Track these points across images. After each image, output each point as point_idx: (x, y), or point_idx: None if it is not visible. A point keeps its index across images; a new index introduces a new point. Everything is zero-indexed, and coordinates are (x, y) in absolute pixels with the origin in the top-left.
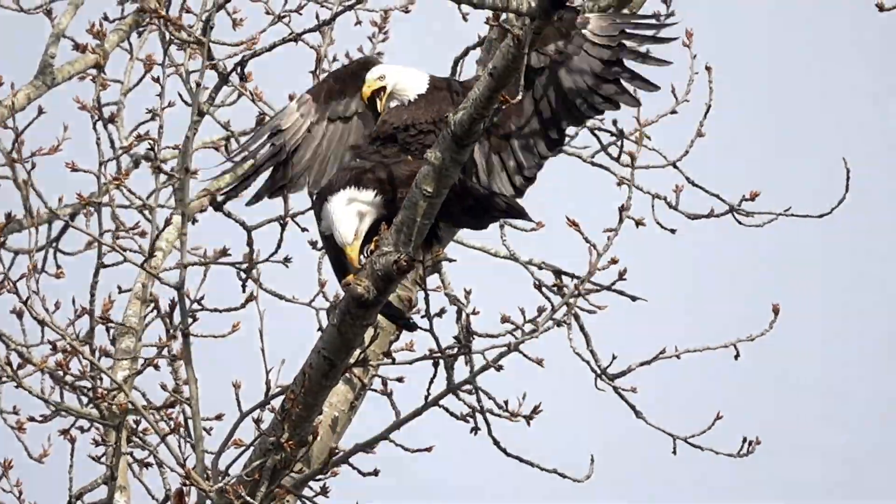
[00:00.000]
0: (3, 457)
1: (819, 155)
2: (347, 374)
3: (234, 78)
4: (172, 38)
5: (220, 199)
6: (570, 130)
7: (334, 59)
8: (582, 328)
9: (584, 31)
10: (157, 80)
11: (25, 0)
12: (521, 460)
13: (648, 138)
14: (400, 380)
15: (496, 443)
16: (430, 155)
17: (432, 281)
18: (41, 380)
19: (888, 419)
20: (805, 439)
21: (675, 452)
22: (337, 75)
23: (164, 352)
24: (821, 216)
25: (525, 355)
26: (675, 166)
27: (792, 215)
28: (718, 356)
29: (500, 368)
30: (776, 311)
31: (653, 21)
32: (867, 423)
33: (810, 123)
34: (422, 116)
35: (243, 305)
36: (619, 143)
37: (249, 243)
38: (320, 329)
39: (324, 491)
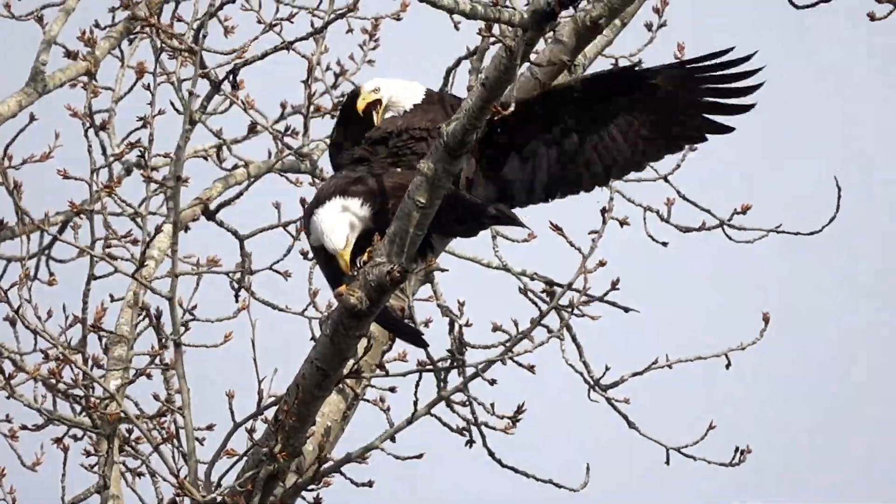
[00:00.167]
0: None
1: (811, 171)
2: (340, 385)
3: (226, 86)
4: (163, 46)
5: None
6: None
7: (327, 68)
8: (574, 339)
9: (653, 80)
10: (147, 87)
11: (17, 6)
12: (516, 471)
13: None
14: (392, 390)
15: (491, 454)
16: (423, 166)
17: (424, 291)
18: (34, 388)
19: (879, 427)
20: (797, 447)
21: (668, 462)
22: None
23: (157, 361)
24: (811, 234)
25: (516, 361)
26: (667, 180)
27: (782, 232)
28: (710, 366)
29: (493, 383)
30: (766, 319)
31: (727, 62)
32: (858, 430)
33: (803, 139)
34: (416, 123)
35: (235, 314)
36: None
37: (242, 253)
38: (313, 339)
39: (317, 501)
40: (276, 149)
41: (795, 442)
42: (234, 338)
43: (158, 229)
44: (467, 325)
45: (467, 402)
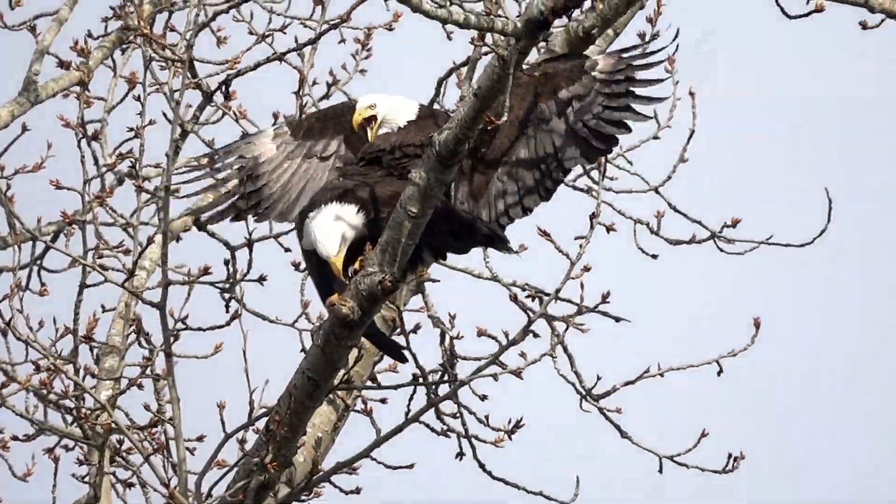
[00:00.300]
0: None
1: (802, 183)
2: (331, 396)
3: (218, 97)
4: (154, 56)
5: (203, 219)
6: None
7: (314, 83)
8: (566, 350)
9: (593, 73)
10: (137, 98)
11: (10, 16)
12: (506, 483)
13: (630, 163)
14: (383, 401)
15: (482, 466)
16: (415, 175)
17: (415, 302)
18: (25, 398)
19: (870, 433)
20: (789, 454)
21: (661, 471)
22: (320, 115)
23: (148, 371)
24: (802, 245)
25: (503, 365)
26: (658, 192)
27: (773, 244)
28: (702, 374)
29: (483, 398)
30: (757, 325)
31: (654, 52)
32: (850, 437)
33: (794, 151)
34: (409, 140)
35: (227, 324)
36: (601, 168)
37: (232, 263)
38: (303, 350)
39: None
40: None
41: (788, 449)
42: (225, 349)
43: (150, 240)
44: (458, 337)
45: (458, 414)
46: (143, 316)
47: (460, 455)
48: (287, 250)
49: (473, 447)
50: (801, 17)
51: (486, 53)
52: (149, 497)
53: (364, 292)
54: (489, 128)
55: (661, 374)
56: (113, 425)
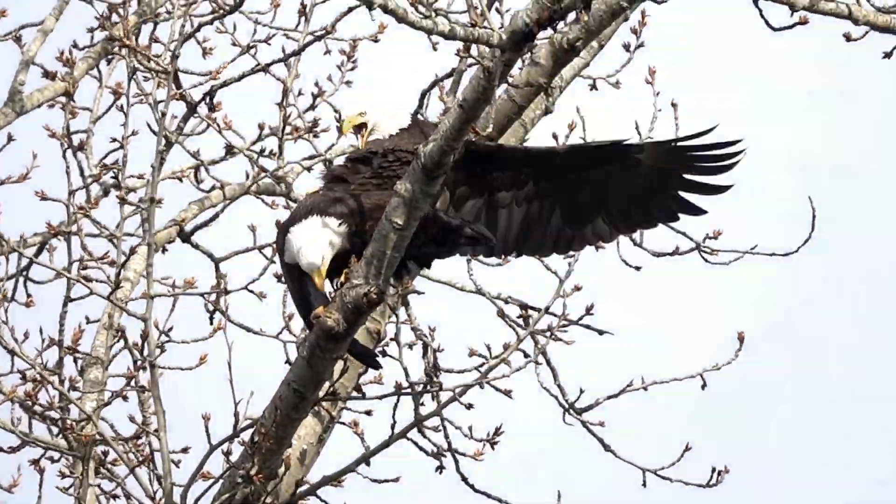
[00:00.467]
0: None
1: (786, 192)
2: (316, 408)
3: (203, 108)
4: (138, 67)
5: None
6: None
7: (299, 93)
8: (549, 363)
9: (637, 155)
10: (121, 109)
11: None
12: (489, 496)
13: None
14: (368, 413)
15: (464, 479)
16: (400, 187)
17: (399, 314)
18: (11, 409)
19: (857, 446)
20: (774, 467)
21: (644, 485)
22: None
23: (132, 383)
24: (786, 255)
25: (493, 387)
26: None
27: (757, 253)
28: (686, 387)
29: (469, 407)
30: (741, 339)
31: (713, 147)
32: (836, 450)
33: (777, 159)
34: (402, 147)
35: (211, 335)
36: None
37: (217, 275)
38: (288, 362)
39: None
40: (252, 171)
41: (772, 462)
42: (210, 360)
43: (133, 251)
44: (440, 350)
45: (440, 428)
46: (128, 327)
47: (440, 469)
48: (271, 262)
49: (456, 460)
50: (784, 29)
51: (471, 65)
52: None
53: (349, 305)
54: (476, 139)
55: (645, 388)
56: (98, 437)
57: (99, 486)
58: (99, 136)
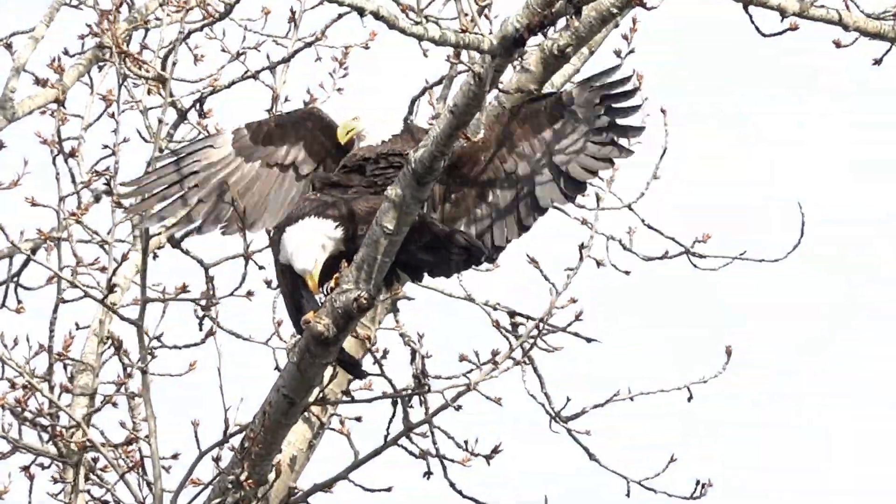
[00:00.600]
0: None
1: (776, 197)
2: (306, 413)
3: (193, 115)
4: (129, 74)
5: (177, 236)
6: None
7: (286, 100)
8: (535, 370)
9: (572, 107)
10: (112, 115)
11: None
12: (476, 502)
13: (602, 180)
14: (358, 419)
15: (452, 485)
16: (391, 192)
17: (388, 321)
18: (1, 416)
19: (843, 458)
20: (758, 481)
21: (628, 495)
22: (280, 121)
23: (122, 389)
24: (776, 261)
25: (484, 395)
26: (631, 208)
27: (747, 259)
28: (672, 398)
29: (459, 408)
30: (729, 353)
31: (624, 82)
32: (820, 463)
33: (767, 166)
34: (395, 151)
35: (202, 341)
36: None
37: (207, 280)
38: (277, 368)
39: None
40: None
41: (756, 476)
42: (200, 366)
43: (125, 257)
44: (427, 356)
45: (428, 434)
46: (118, 333)
47: (428, 475)
48: (261, 268)
49: (444, 466)
50: (775, 35)
51: (461, 72)
52: None
53: (339, 310)
54: (466, 144)
55: (632, 399)
56: (88, 443)
57: (89, 492)
58: (90, 142)
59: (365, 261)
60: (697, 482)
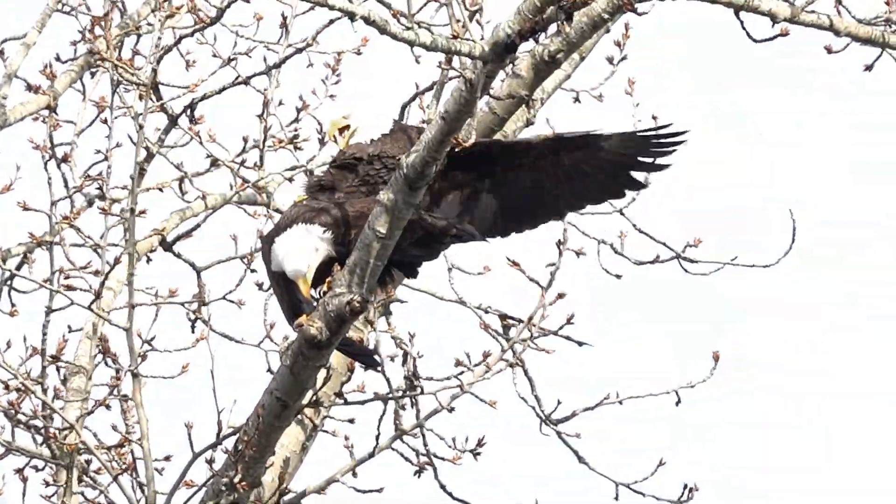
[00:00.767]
0: None
1: (775, 198)
2: (299, 416)
3: (184, 120)
4: (121, 80)
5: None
6: None
7: (280, 104)
8: (526, 373)
9: (604, 143)
10: (105, 121)
11: None
12: None
13: None
14: (351, 421)
15: (442, 487)
16: (383, 197)
17: (380, 324)
18: None
19: (832, 464)
20: (745, 486)
21: (616, 498)
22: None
23: (115, 392)
24: (766, 266)
25: (477, 397)
26: (622, 213)
27: (738, 264)
28: (662, 401)
29: (451, 410)
30: (716, 358)
31: (670, 135)
32: (808, 468)
33: (758, 171)
34: (387, 151)
35: (193, 345)
36: None
37: (199, 284)
38: (269, 371)
39: None
40: (235, 182)
41: (756, 476)
42: (193, 368)
43: (117, 260)
44: (419, 356)
45: (418, 434)
46: (111, 336)
47: (419, 473)
48: (253, 271)
49: (434, 467)
50: (766, 40)
51: (453, 78)
52: None
53: (332, 313)
54: (458, 150)
55: (620, 402)
56: (81, 445)
57: (82, 494)
58: (83, 148)
59: (357, 264)
60: (685, 486)
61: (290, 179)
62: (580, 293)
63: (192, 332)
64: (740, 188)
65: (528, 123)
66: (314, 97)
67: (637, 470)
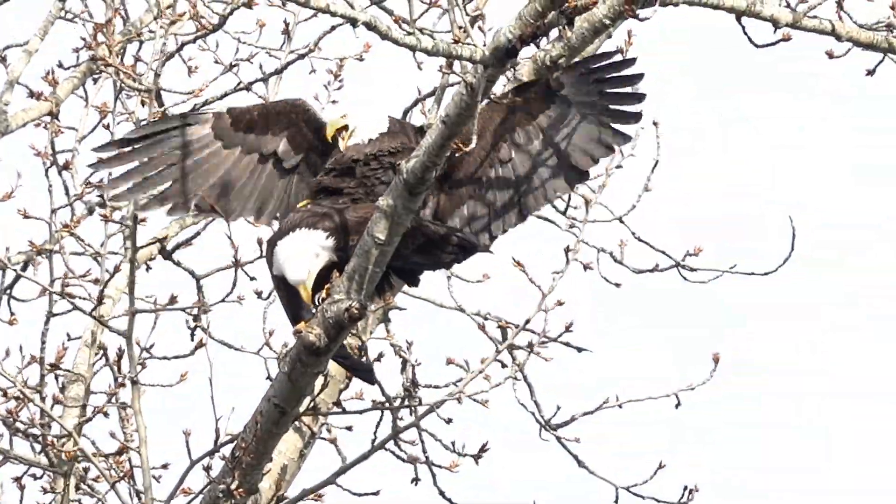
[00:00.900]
0: None
1: (776, 201)
2: (297, 423)
3: None
4: (123, 86)
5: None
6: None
7: None
8: (525, 379)
9: (562, 92)
10: (107, 127)
11: None
12: None
13: (594, 192)
14: (349, 428)
15: (441, 493)
16: (382, 202)
17: (379, 330)
18: None
19: (831, 467)
20: (745, 488)
21: (616, 501)
22: (264, 110)
23: (113, 399)
24: (766, 274)
25: (471, 398)
26: (622, 221)
27: (737, 272)
28: (661, 404)
29: (449, 421)
30: (716, 360)
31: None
32: (809, 470)
33: (760, 174)
34: (384, 148)
35: (192, 353)
36: (567, 197)
37: (198, 292)
38: (268, 378)
39: None
40: None
41: (756, 476)
42: (191, 376)
43: (117, 268)
44: (417, 364)
45: (417, 441)
46: (109, 344)
47: (416, 480)
48: (252, 279)
49: (433, 473)
50: (768, 46)
51: (454, 83)
52: None
53: (331, 320)
54: (458, 154)
55: (620, 406)
56: (79, 453)
57: (80, 501)
58: (84, 155)
59: (356, 271)
60: (685, 487)
61: None
62: (579, 298)
63: (192, 339)
64: (741, 192)
65: None
66: (316, 103)
67: (636, 473)
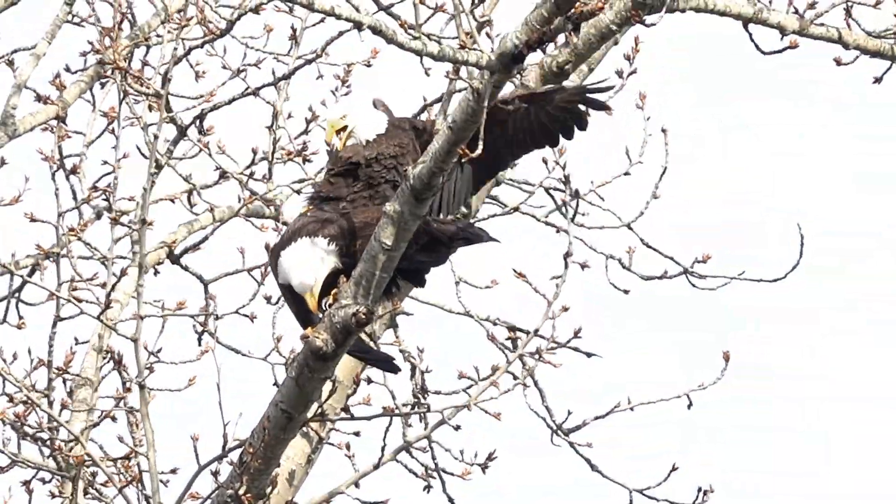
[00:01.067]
0: None
1: (778, 209)
2: (305, 428)
3: (193, 131)
4: (129, 90)
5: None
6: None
7: (289, 116)
8: (536, 384)
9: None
10: (112, 132)
11: None
12: None
13: (602, 199)
14: (357, 434)
15: (451, 501)
16: (389, 208)
17: (387, 336)
18: (1, 430)
19: (839, 466)
20: (758, 488)
21: None
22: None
23: (121, 404)
24: (774, 280)
25: (484, 410)
26: (630, 227)
27: (745, 279)
28: (672, 406)
29: (458, 429)
30: (727, 358)
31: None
32: (819, 471)
33: (761, 182)
34: (384, 151)
35: (199, 358)
36: (573, 202)
37: (206, 297)
38: (276, 384)
39: None
40: (243, 194)
41: (758, 480)
42: (199, 381)
43: (124, 272)
44: (427, 371)
45: (427, 449)
46: (117, 349)
47: (428, 488)
48: (260, 284)
49: (443, 481)
50: (774, 52)
51: (461, 89)
52: None
53: (338, 325)
54: (464, 160)
55: (632, 409)
56: (87, 457)
57: None
58: (92, 159)
59: (363, 276)
60: (699, 489)
61: (299, 192)
62: (587, 303)
63: (199, 344)
64: (742, 200)
65: None
66: (324, 108)
67: (648, 476)
